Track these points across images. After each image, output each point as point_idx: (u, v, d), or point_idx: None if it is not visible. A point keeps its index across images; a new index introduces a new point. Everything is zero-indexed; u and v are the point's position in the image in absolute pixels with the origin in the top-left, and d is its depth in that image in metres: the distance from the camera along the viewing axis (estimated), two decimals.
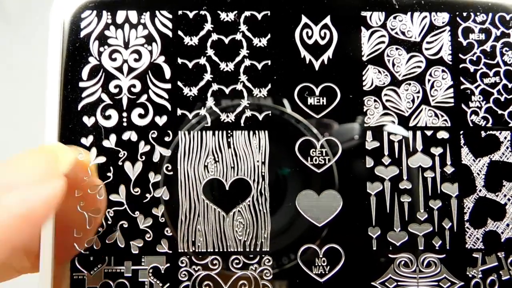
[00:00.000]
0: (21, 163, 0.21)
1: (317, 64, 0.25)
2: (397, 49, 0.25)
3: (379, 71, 0.25)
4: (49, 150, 0.22)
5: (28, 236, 0.20)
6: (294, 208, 0.24)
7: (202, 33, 0.25)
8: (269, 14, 0.25)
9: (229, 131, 0.25)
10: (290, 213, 0.24)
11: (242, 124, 0.25)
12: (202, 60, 0.25)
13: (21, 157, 0.22)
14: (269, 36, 0.25)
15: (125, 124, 0.25)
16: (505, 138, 0.24)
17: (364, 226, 0.24)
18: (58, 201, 0.21)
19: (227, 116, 0.25)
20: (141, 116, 0.25)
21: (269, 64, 0.25)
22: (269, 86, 0.25)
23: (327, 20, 0.25)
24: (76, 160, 0.23)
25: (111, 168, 0.24)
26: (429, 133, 0.25)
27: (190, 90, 0.25)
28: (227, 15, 0.25)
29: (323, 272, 0.24)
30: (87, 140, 0.24)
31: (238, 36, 0.25)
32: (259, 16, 0.25)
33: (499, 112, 0.25)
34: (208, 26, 0.25)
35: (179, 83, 0.25)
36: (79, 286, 0.23)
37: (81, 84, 0.25)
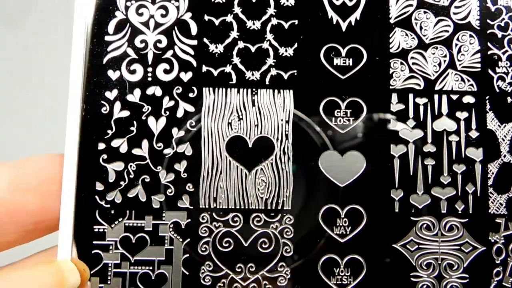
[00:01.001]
0: (26, 281, 0.21)
1: (344, 25, 0.25)
2: (425, 12, 0.25)
3: (406, 34, 0.25)
4: (56, 269, 0.22)
5: None
6: (317, 168, 0.24)
7: None
8: None
9: (254, 89, 0.24)
10: (313, 173, 0.24)
11: (267, 83, 0.24)
12: (229, 18, 0.25)
13: (28, 272, 0.21)
14: None
15: (150, 79, 0.24)
16: None
17: (387, 188, 0.24)
18: None
19: (252, 74, 0.25)
20: (166, 71, 0.25)
21: (296, 23, 0.25)
22: (295, 45, 0.25)
23: None
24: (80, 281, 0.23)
25: (134, 122, 0.24)
26: (455, 97, 0.24)
27: (216, 47, 0.25)
28: None
29: (344, 233, 0.24)
30: (111, 94, 0.24)
31: None
32: None
33: None
34: None
35: (205, 40, 0.25)
36: (99, 239, 0.23)
37: (107, 38, 0.25)
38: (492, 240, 0.24)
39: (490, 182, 0.24)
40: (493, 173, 0.24)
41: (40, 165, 0.23)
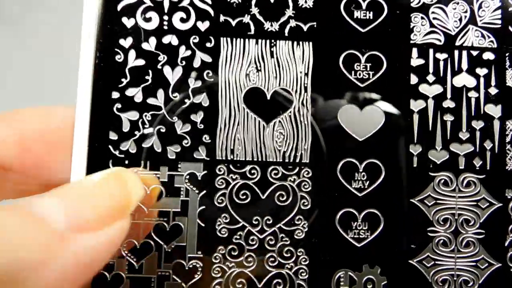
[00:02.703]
0: (95, 193, 0.20)
1: None
2: None
3: None
4: (122, 181, 0.21)
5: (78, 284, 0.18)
6: (336, 122, 0.24)
7: None
8: None
9: (273, 40, 0.24)
10: (332, 128, 0.24)
11: (286, 34, 0.24)
12: None
13: (95, 185, 0.20)
14: None
15: (165, 27, 0.24)
16: None
17: (406, 143, 0.24)
18: (119, 245, 0.20)
19: (271, 25, 0.24)
20: (182, 20, 0.24)
21: None
22: None
23: None
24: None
25: (149, 71, 0.24)
26: (475, 53, 0.24)
27: None
28: None
29: (362, 187, 0.24)
30: (125, 42, 0.24)
31: None
32: None
33: None
34: None
35: None
36: None
37: None
38: (509, 197, 0.24)
39: (508, 139, 0.24)
40: (511, 130, 0.24)
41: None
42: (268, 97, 0.24)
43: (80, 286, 0.18)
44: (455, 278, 0.23)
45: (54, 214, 0.18)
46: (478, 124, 0.24)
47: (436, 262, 0.23)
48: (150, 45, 0.24)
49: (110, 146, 0.23)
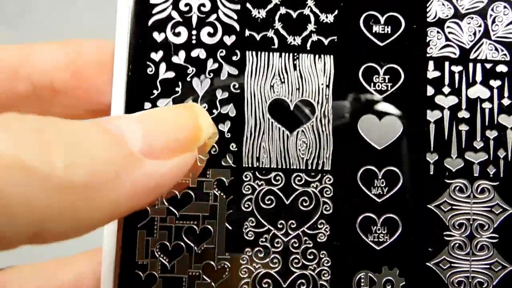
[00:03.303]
0: (170, 123, 0.20)
1: None
2: None
3: (443, 4, 0.26)
4: (194, 115, 0.21)
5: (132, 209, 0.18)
6: (356, 131, 0.25)
7: None
8: None
9: (295, 54, 0.25)
10: (352, 136, 0.25)
11: (308, 48, 0.25)
12: None
13: (171, 115, 0.20)
14: None
15: (194, 41, 0.25)
16: None
17: (423, 151, 0.25)
18: (182, 176, 0.20)
19: (294, 39, 0.25)
20: (210, 34, 0.25)
21: None
22: (336, 12, 0.25)
23: None
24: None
25: (179, 83, 0.25)
26: (488, 66, 0.25)
27: (259, 12, 0.25)
28: None
29: (381, 193, 0.25)
30: (156, 55, 0.25)
31: None
32: None
33: None
34: None
35: (248, 5, 0.25)
36: None
37: (152, 1, 0.25)
38: None
39: None
40: None
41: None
42: (292, 108, 0.25)
43: (144, 205, 0.19)
44: (470, 280, 0.25)
45: (132, 134, 0.18)
46: (491, 134, 0.25)
47: (452, 264, 0.25)
48: (179, 58, 0.25)
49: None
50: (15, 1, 0.63)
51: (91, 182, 0.16)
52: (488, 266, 0.25)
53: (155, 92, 0.25)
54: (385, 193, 0.25)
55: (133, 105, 0.25)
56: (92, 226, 0.17)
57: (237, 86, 0.25)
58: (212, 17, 0.25)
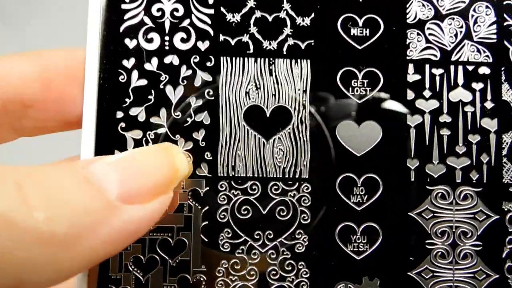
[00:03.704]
0: (146, 166, 0.20)
1: None
2: None
3: (423, 4, 0.25)
4: (171, 156, 0.21)
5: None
6: (334, 137, 0.24)
7: None
8: None
9: (271, 59, 0.25)
10: (330, 143, 0.24)
11: (284, 52, 0.25)
12: None
13: (146, 158, 0.20)
14: None
15: (167, 47, 0.24)
16: None
17: (403, 157, 0.24)
18: (159, 218, 0.20)
19: (270, 44, 0.25)
20: (183, 40, 0.24)
21: None
22: (312, 15, 0.25)
23: None
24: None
25: (152, 91, 0.24)
26: (470, 68, 0.25)
27: (233, 16, 0.25)
28: None
29: (361, 201, 0.24)
30: (128, 62, 0.24)
31: None
32: None
33: None
34: None
35: (222, 9, 0.25)
36: None
37: (124, 6, 0.24)
38: (506, 209, 0.24)
39: (504, 152, 0.24)
40: (507, 143, 0.24)
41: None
42: (268, 115, 0.24)
43: (121, 250, 0.19)
44: None
45: (109, 183, 0.18)
46: (474, 138, 0.24)
47: (435, 273, 0.24)
48: (152, 65, 0.24)
49: None
50: (15, 1, 0.62)
51: (71, 233, 0.16)
52: (472, 275, 0.24)
53: (127, 100, 0.24)
54: (364, 201, 0.24)
55: (104, 114, 0.24)
56: (71, 274, 0.17)
57: (211, 93, 0.24)
58: (185, 22, 0.25)
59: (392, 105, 0.24)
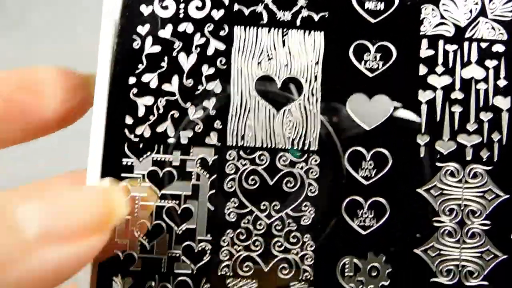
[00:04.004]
0: (74, 207, 0.19)
1: None
2: None
3: None
4: (107, 199, 0.20)
5: None
6: (344, 110, 0.24)
7: None
8: None
9: (285, 30, 0.24)
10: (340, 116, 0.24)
11: (298, 24, 0.24)
12: None
13: (77, 198, 0.20)
14: None
15: (181, 15, 0.24)
16: None
17: (413, 132, 0.24)
18: (90, 260, 0.20)
19: (283, 15, 0.25)
20: (198, 8, 0.25)
21: None
22: None
23: None
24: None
25: (165, 58, 0.24)
26: (484, 45, 0.24)
27: None
28: None
29: (369, 175, 0.24)
30: (143, 29, 0.24)
31: None
32: None
33: None
34: None
35: None
36: (127, 171, 0.24)
37: None
38: None
39: None
40: None
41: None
42: (279, 85, 0.24)
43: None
44: (460, 269, 0.24)
45: (29, 222, 0.18)
46: (486, 116, 0.24)
47: (441, 252, 0.24)
48: (166, 32, 0.24)
49: (126, 130, 0.24)
50: (15, 2, 0.63)
51: None
52: (479, 255, 0.24)
53: (140, 66, 0.24)
54: (373, 175, 0.24)
55: (118, 79, 0.24)
56: None
57: (224, 61, 0.24)
58: None
59: (403, 114, 0.24)
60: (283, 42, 0.24)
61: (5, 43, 0.61)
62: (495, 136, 0.24)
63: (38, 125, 0.24)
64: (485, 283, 0.24)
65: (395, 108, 0.24)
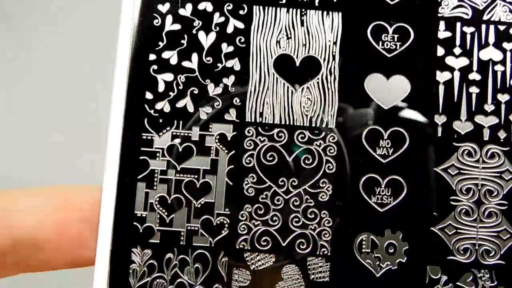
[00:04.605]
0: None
1: None
2: None
3: None
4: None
5: None
6: (362, 89, 0.24)
7: None
8: None
9: (303, 10, 0.25)
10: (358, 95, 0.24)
11: (317, 4, 0.25)
12: None
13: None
14: None
15: None
16: None
17: (431, 113, 0.24)
18: None
19: None
20: None
21: None
22: None
23: None
24: None
25: (185, 36, 0.25)
26: (502, 28, 0.25)
27: None
28: None
29: (386, 154, 0.24)
30: (163, 7, 0.25)
31: None
32: None
33: None
34: None
35: None
36: (147, 146, 0.24)
37: None
38: None
39: None
40: None
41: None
42: (297, 64, 0.25)
43: None
44: (476, 247, 0.24)
45: None
46: (503, 97, 0.24)
47: (458, 230, 0.24)
48: (186, 10, 0.25)
49: (146, 105, 0.24)
50: (15, 1, 0.63)
51: None
52: (496, 234, 0.24)
53: (161, 44, 0.25)
54: (390, 154, 0.24)
55: (138, 56, 0.24)
56: None
57: (243, 40, 0.25)
58: None
59: (409, 114, 0.24)
60: (302, 22, 0.25)
61: (5, 43, 0.62)
62: None
63: (88, 260, 0.23)
64: (502, 262, 0.24)
65: (401, 108, 0.24)
